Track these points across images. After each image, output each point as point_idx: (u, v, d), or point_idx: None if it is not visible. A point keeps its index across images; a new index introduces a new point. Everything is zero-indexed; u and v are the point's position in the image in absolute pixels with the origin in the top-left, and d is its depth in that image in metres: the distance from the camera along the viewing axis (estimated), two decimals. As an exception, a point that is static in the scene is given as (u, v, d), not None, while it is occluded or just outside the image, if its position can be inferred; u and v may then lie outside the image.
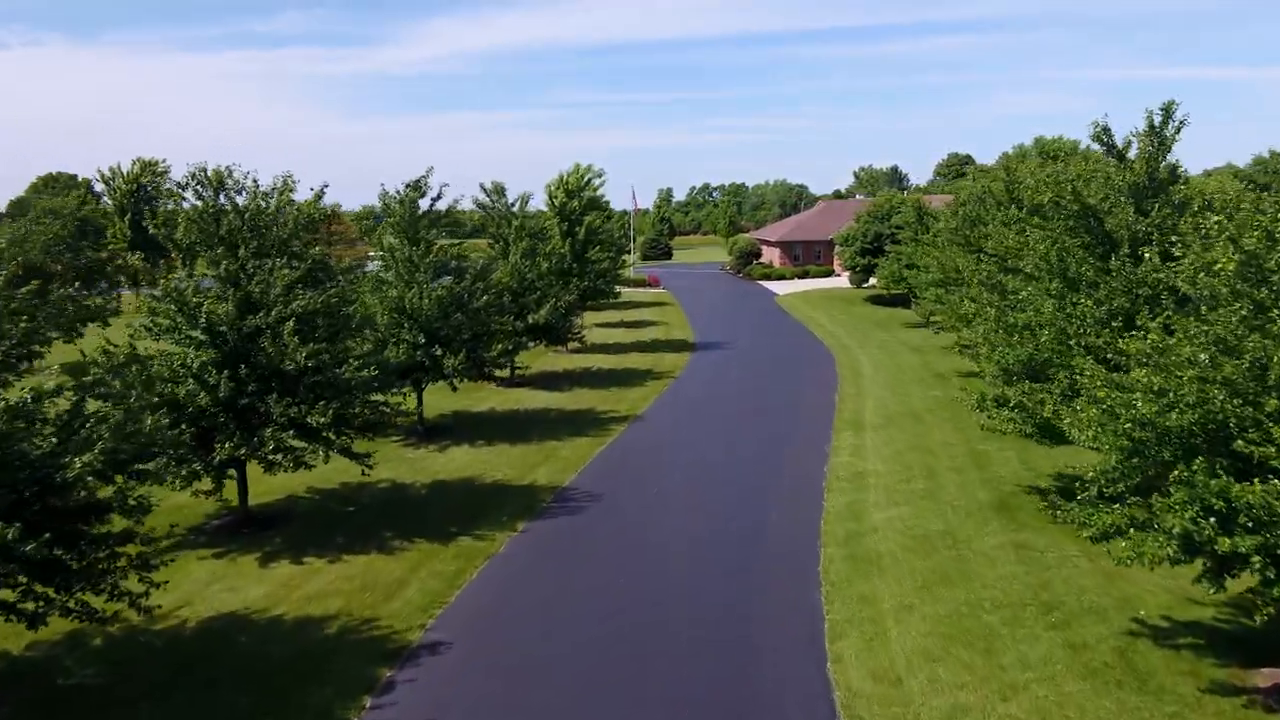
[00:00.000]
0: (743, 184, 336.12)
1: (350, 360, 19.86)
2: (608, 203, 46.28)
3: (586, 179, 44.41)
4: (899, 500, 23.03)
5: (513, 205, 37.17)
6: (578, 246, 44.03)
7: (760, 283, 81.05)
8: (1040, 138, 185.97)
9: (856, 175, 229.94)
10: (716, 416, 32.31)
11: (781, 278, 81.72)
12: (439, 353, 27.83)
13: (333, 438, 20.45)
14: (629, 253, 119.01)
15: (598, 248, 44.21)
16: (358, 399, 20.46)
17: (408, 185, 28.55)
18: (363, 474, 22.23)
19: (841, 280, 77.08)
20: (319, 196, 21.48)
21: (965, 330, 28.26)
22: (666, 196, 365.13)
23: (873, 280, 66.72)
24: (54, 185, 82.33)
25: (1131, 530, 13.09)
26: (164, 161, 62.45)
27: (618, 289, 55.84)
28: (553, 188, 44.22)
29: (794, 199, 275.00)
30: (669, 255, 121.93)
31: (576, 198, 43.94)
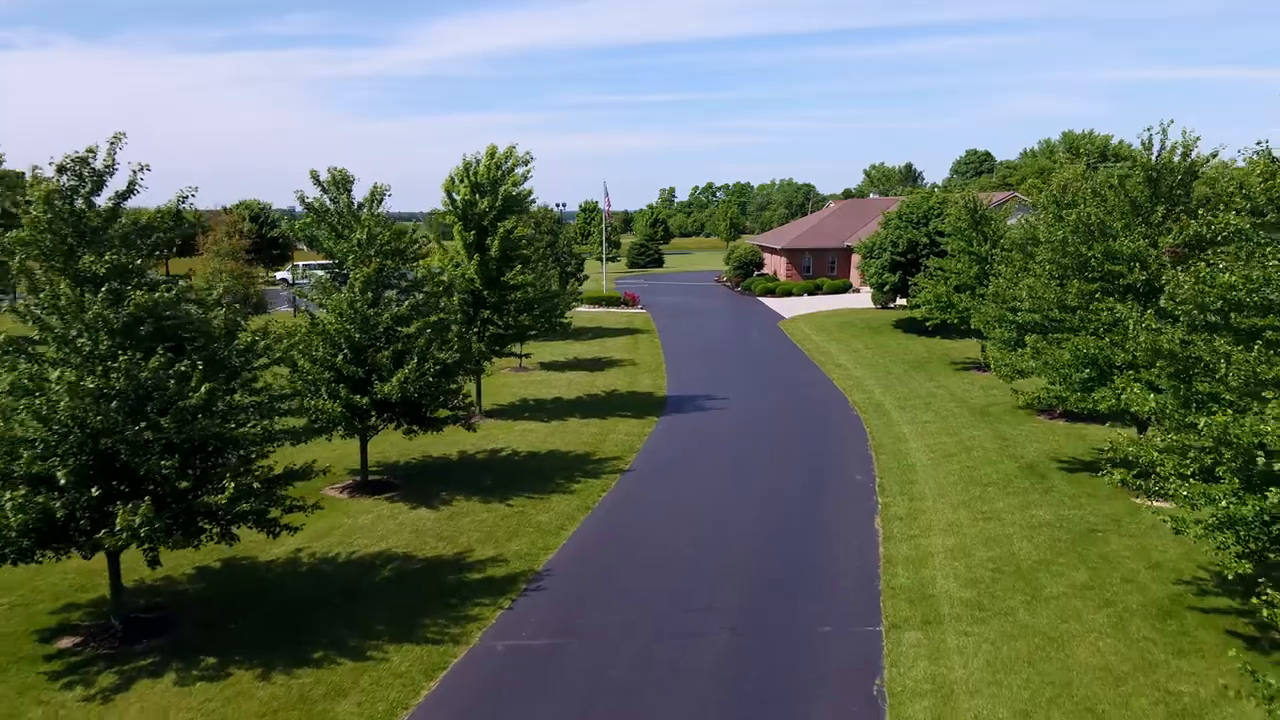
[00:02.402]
0: (747, 183, 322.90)
1: None
2: (540, 203, 32.23)
3: (506, 168, 30.60)
4: None
5: (360, 207, 23.30)
6: (491, 267, 30.11)
7: (762, 299, 67.06)
8: (1069, 132, 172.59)
9: (868, 174, 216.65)
10: (672, 576, 18.39)
11: (788, 293, 67.78)
12: (121, 488, 14.14)
13: None
14: (610, 258, 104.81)
15: (518, 267, 30.24)
16: None
17: (60, 168, 14.70)
18: None
19: (862, 298, 63.15)
20: None
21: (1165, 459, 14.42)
22: (668, 197, 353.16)
23: (901, 300, 52.79)
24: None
25: None
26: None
27: (568, 317, 42.01)
28: (455, 180, 30.41)
29: (801, 199, 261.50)
30: (660, 263, 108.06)
31: (489, 195, 30.11)
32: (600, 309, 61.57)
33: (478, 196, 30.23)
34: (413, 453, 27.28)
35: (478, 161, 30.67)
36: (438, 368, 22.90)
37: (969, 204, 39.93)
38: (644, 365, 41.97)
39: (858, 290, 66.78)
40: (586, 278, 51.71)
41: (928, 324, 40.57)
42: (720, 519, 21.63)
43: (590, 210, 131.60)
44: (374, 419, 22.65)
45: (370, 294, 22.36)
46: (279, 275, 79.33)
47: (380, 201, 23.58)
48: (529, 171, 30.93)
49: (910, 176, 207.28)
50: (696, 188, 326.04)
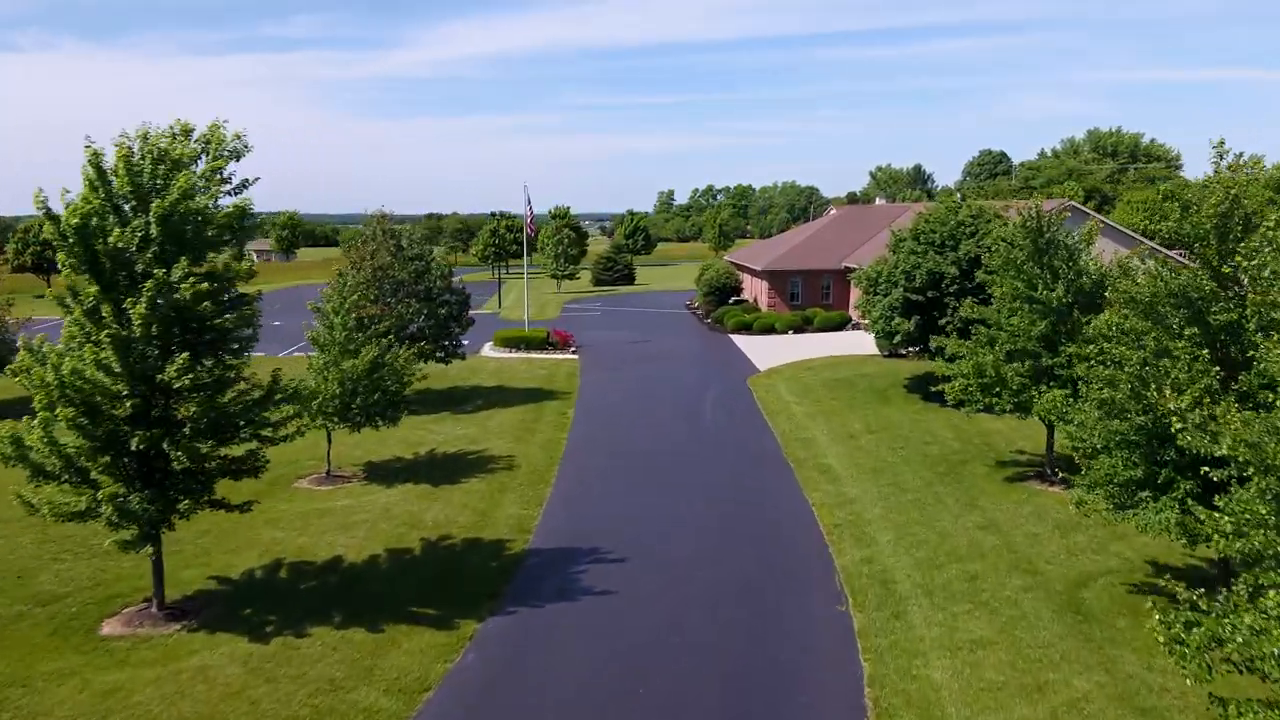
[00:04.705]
0: (749, 186, 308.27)
1: None
2: (254, 218, 17.14)
3: (188, 155, 16.05)
4: None
5: None
6: (137, 353, 15.43)
7: (734, 338, 52.27)
8: (1094, 130, 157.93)
9: (874, 176, 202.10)
10: None
11: (768, 329, 53.04)
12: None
13: None
14: (567, 275, 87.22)
15: (184, 357, 15.27)
16: None
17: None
18: None
19: (863, 337, 48.18)
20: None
21: None
22: (667, 199, 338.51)
23: (903, 335, 37.99)
24: None
25: None
26: None
27: (411, 388, 27.61)
28: (88, 180, 15.89)
29: (804, 202, 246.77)
30: (630, 279, 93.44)
31: (139, 214, 15.61)
32: (514, 355, 46.74)
33: (111, 217, 15.61)
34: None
35: (128, 142, 16.04)
36: None
37: (1029, 221, 25.22)
38: (524, 470, 27.30)
39: (858, 325, 52.01)
40: (472, 322, 37.23)
41: (965, 411, 25.88)
42: None
43: (560, 216, 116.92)
44: None
45: None
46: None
47: None
48: (219, 165, 16.33)
49: (919, 179, 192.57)
50: (696, 190, 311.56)
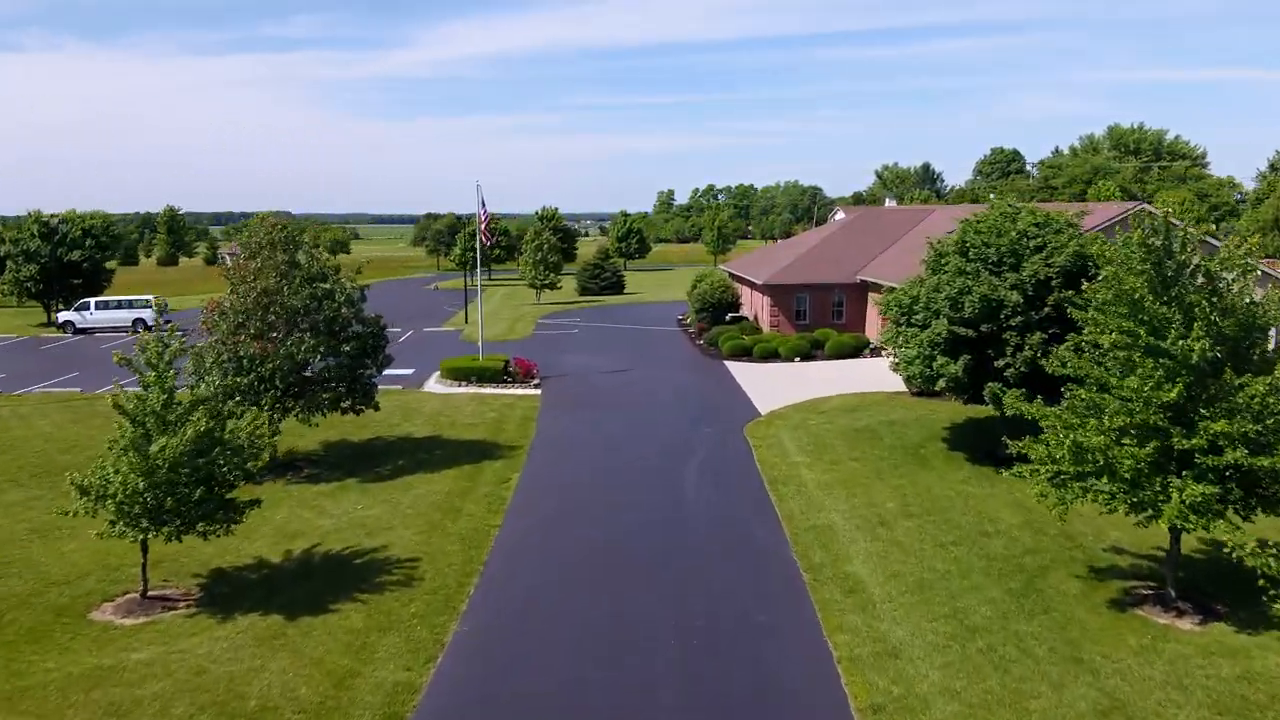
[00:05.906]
0: (750, 185, 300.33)
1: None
2: None
3: None
4: None
5: None
6: None
7: (730, 366, 44.25)
8: (1115, 127, 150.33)
9: (879, 175, 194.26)
10: None
11: (770, 354, 45.09)
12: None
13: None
14: (547, 284, 77.36)
15: None
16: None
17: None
18: None
19: (883, 366, 40.07)
20: None
21: None
22: (666, 200, 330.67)
23: (949, 380, 29.88)
24: None
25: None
26: None
27: (259, 461, 19.93)
28: None
29: (807, 202, 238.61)
30: (619, 288, 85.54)
31: None
32: (464, 389, 38.71)
33: None
34: None
35: None
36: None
37: (1152, 237, 17.34)
38: (428, 585, 19.40)
39: (878, 351, 44.13)
40: (390, 360, 29.33)
41: (1055, 510, 17.95)
42: None
43: (547, 218, 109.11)
44: None
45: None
46: (61, 317, 57.15)
47: None
48: None
49: (927, 178, 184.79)
50: (696, 190, 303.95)
